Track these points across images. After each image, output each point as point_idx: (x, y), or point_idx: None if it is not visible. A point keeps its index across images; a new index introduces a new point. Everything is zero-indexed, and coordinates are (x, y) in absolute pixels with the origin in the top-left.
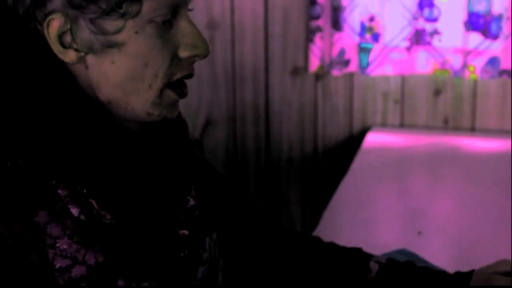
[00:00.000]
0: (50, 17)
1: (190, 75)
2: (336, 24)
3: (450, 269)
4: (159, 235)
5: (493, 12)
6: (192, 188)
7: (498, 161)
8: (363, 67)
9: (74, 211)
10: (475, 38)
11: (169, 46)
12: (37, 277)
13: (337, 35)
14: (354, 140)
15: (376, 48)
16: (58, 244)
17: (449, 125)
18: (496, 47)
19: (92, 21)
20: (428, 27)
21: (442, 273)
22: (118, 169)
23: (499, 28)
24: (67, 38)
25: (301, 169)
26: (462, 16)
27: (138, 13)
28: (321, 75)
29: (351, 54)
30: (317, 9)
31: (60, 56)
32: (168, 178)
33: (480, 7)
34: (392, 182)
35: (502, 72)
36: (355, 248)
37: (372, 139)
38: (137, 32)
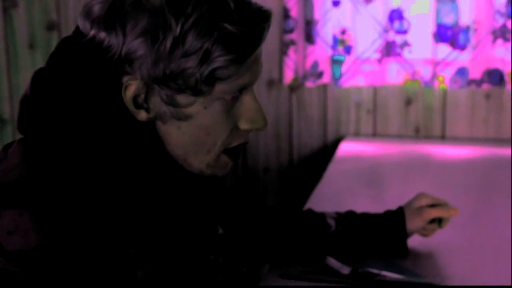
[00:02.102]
0: (129, 82)
1: (244, 143)
2: (309, 37)
3: (434, 275)
4: (192, 258)
5: (460, 24)
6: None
7: (468, 167)
8: (336, 79)
9: None
10: (444, 49)
11: (232, 119)
12: None
13: (310, 48)
14: (328, 150)
15: (348, 60)
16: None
17: (420, 134)
18: (464, 58)
19: (167, 94)
20: (398, 39)
21: (378, 215)
22: (168, 203)
23: (467, 39)
24: (140, 99)
25: (277, 179)
26: (431, 28)
27: (210, 92)
28: (295, 87)
29: (324, 66)
30: (291, 23)
31: (133, 113)
32: (202, 209)
33: (448, 19)
34: (365, 190)
35: (470, 82)
36: (307, 210)
37: (346, 148)
38: (205, 108)
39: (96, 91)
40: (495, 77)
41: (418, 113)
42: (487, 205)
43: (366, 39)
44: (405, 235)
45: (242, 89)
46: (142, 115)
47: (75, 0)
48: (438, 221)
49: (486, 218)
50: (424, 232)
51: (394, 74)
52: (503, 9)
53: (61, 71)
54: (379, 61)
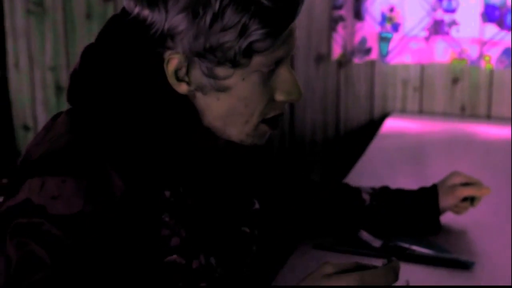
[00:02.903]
0: (171, 56)
1: (281, 114)
2: (358, 13)
3: (464, 251)
4: (226, 230)
5: (508, 4)
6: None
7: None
8: (383, 56)
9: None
10: (491, 29)
11: (268, 90)
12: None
13: (358, 25)
14: (374, 125)
15: (396, 37)
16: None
17: (465, 113)
18: (510, 38)
19: (207, 66)
20: (447, 18)
21: (412, 192)
22: (204, 175)
23: None
24: (181, 73)
25: (323, 152)
26: (479, 7)
27: (247, 65)
28: (343, 62)
29: (372, 43)
30: None
31: (174, 87)
32: (238, 183)
33: (496, 0)
34: (407, 167)
35: None
36: (343, 184)
37: (391, 124)
38: (243, 79)
39: (140, 66)
40: None
41: (464, 92)
42: None
43: (414, 17)
44: (438, 212)
45: (278, 62)
46: (183, 87)
47: None
48: (471, 200)
49: None
50: (456, 210)
51: (441, 53)
52: None
53: (108, 48)
54: (427, 39)
